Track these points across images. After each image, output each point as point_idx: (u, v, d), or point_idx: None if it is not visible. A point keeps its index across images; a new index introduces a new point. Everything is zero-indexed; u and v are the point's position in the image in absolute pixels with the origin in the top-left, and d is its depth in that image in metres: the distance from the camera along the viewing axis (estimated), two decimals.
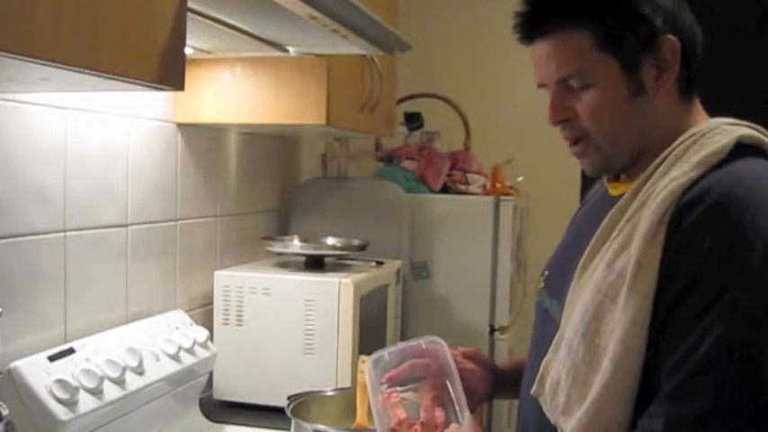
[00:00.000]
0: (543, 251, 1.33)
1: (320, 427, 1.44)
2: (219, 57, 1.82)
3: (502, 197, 2.48)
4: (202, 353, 1.70)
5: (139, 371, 1.47)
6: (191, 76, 1.76)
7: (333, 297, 1.81)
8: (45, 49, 0.87)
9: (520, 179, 2.73)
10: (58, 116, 1.43)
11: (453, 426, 1.17)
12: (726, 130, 1.02)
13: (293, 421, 1.46)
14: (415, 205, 2.48)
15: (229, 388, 1.88)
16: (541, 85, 1.13)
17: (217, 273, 1.89)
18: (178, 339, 1.63)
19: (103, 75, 0.98)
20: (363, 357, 1.38)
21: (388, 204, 2.41)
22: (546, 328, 1.16)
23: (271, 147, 2.37)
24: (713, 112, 1.12)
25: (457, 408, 1.19)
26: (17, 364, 1.27)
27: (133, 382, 1.45)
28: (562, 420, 1.04)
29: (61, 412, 1.27)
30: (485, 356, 1.39)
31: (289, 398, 1.55)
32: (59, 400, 1.27)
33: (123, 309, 1.65)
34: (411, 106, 2.82)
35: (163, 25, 1.08)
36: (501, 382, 1.35)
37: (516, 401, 1.28)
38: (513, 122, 3.20)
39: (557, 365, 1.06)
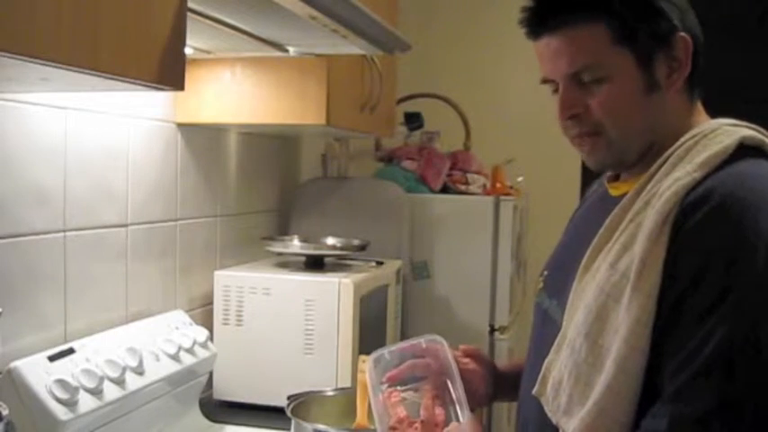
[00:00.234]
0: (543, 251, 1.33)
1: (320, 427, 1.44)
2: (219, 57, 1.82)
3: (502, 197, 2.48)
4: (202, 353, 1.70)
5: (139, 371, 1.47)
6: (191, 76, 1.76)
7: (333, 297, 1.81)
8: (45, 49, 0.87)
9: (520, 179, 2.73)
10: (58, 116, 1.43)
11: (453, 424, 1.18)
12: (728, 131, 1.03)
13: (293, 421, 1.46)
14: (415, 205, 2.48)
15: (229, 388, 1.88)
16: (546, 81, 1.12)
17: (217, 273, 1.89)
18: (178, 339, 1.63)
19: (103, 75, 0.98)
20: (363, 357, 1.38)
21: (388, 204, 2.41)
22: (546, 328, 1.16)
23: (271, 147, 2.37)
24: (710, 111, 1.12)
25: (457, 407, 1.19)
26: (17, 364, 1.27)
27: (133, 382, 1.45)
28: (564, 421, 1.04)
29: (61, 412, 1.27)
30: (485, 355, 1.39)
31: (289, 398, 1.54)
32: (59, 400, 1.27)
33: (123, 309, 1.65)
34: (411, 106, 2.82)
35: (163, 25, 1.08)
36: (501, 384, 1.35)
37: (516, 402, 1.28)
38: (513, 122, 3.20)
39: (559, 366, 1.06)
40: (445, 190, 2.61)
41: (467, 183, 2.61)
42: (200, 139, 1.94)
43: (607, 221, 1.06)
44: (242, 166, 2.16)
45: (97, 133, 1.54)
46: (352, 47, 1.58)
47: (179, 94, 1.78)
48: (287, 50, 1.72)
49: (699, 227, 0.94)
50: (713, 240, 0.93)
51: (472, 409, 1.20)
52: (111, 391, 1.38)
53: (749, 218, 0.93)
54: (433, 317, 2.47)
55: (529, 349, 1.24)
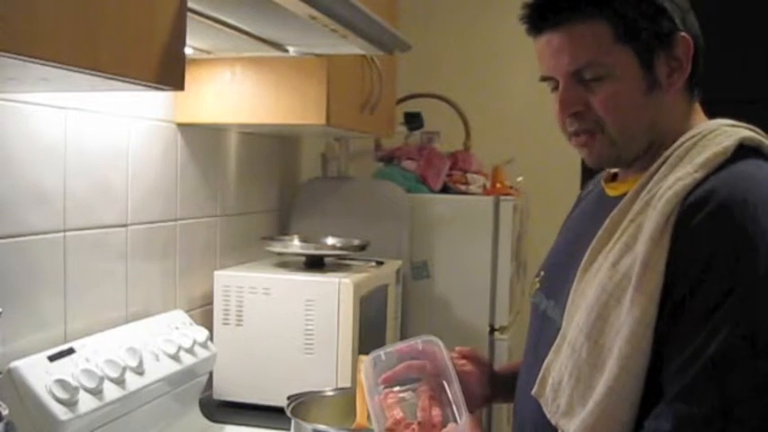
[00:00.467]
0: (543, 251, 1.33)
1: (320, 427, 1.44)
2: (219, 57, 1.82)
3: (502, 197, 2.48)
4: (202, 353, 1.70)
5: (139, 371, 1.47)
6: (191, 76, 1.76)
7: (333, 297, 1.81)
8: (45, 49, 0.87)
9: (520, 179, 2.73)
10: (58, 116, 1.43)
11: (451, 425, 1.18)
12: (727, 132, 1.03)
13: (293, 421, 1.46)
14: (415, 205, 2.48)
15: (229, 388, 1.88)
16: (545, 79, 1.12)
17: (217, 273, 1.89)
18: (178, 339, 1.63)
19: (103, 75, 0.98)
20: (363, 357, 1.38)
21: (388, 204, 2.41)
22: (544, 328, 1.16)
23: (271, 147, 2.37)
24: (708, 111, 1.12)
25: (454, 408, 1.19)
26: (17, 364, 1.27)
27: (133, 382, 1.45)
28: (563, 422, 1.04)
29: (61, 412, 1.27)
30: (482, 356, 1.38)
31: (289, 398, 1.54)
32: (59, 400, 1.27)
33: (123, 309, 1.65)
34: (411, 106, 2.81)
35: (163, 25, 1.08)
36: (498, 385, 1.35)
37: None
38: (513, 122, 3.20)
39: (559, 366, 1.06)
40: (445, 190, 2.61)
41: (467, 183, 2.61)
42: (200, 139, 1.94)
43: (607, 222, 1.06)
44: (242, 166, 2.16)
45: (97, 133, 1.54)
46: (352, 47, 1.58)
47: (179, 94, 1.78)
48: (287, 50, 1.72)
49: (700, 228, 0.94)
50: (715, 241, 0.93)
51: (470, 411, 1.20)
52: (111, 391, 1.38)
53: (750, 218, 0.93)
54: (433, 317, 2.47)
55: (525, 350, 1.24)
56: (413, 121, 2.76)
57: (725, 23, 3.04)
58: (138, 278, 1.69)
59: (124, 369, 1.42)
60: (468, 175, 2.62)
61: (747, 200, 0.94)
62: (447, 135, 2.80)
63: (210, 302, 1.90)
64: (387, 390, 1.23)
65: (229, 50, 1.76)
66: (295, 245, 2.14)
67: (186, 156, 1.88)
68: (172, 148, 1.83)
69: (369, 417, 1.26)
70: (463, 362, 1.33)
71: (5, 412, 1.02)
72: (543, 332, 1.15)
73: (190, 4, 1.17)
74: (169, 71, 1.10)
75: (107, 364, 1.40)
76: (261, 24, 1.49)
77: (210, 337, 1.77)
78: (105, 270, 1.59)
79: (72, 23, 0.91)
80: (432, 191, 2.58)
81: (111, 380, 1.39)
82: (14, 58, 0.84)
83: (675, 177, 0.99)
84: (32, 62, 0.87)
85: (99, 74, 0.97)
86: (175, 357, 1.60)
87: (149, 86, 1.08)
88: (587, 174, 1.32)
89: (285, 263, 2.05)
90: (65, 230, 1.45)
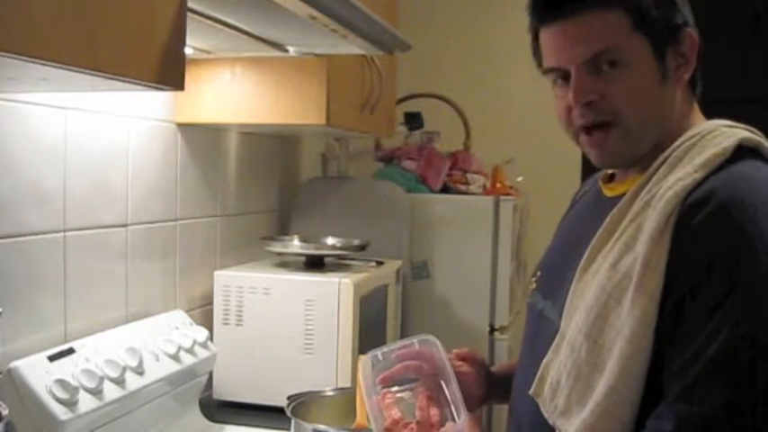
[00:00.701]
0: (543, 251, 1.33)
1: (320, 427, 1.44)
2: (219, 57, 1.82)
3: (502, 197, 2.48)
4: (202, 353, 1.70)
5: (139, 371, 1.47)
6: (191, 76, 1.76)
7: (333, 297, 1.81)
8: (45, 49, 0.87)
9: (520, 179, 2.73)
10: (58, 116, 1.43)
11: (449, 424, 1.18)
12: (725, 133, 1.03)
13: (293, 421, 1.46)
14: (415, 205, 2.48)
15: (229, 388, 1.88)
16: (549, 70, 1.10)
17: (217, 273, 1.89)
18: (178, 339, 1.63)
19: (103, 75, 0.98)
20: (363, 357, 1.38)
21: (388, 204, 2.41)
22: (541, 328, 1.16)
23: (271, 147, 2.37)
24: (705, 112, 1.13)
25: (452, 407, 1.19)
26: (17, 364, 1.27)
27: (133, 382, 1.45)
28: (561, 422, 1.04)
29: (61, 412, 1.27)
30: (479, 357, 1.38)
31: (289, 398, 1.54)
32: (59, 400, 1.27)
33: (123, 309, 1.65)
34: (411, 106, 2.81)
35: (163, 25, 1.08)
36: (495, 386, 1.35)
37: None
38: (513, 122, 3.20)
39: (557, 366, 1.06)
40: (445, 190, 2.61)
41: (467, 183, 2.61)
42: (200, 139, 1.94)
43: (606, 222, 1.06)
44: (242, 166, 2.16)
45: (97, 133, 1.54)
46: (352, 47, 1.58)
47: (179, 94, 1.78)
48: (287, 50, 1.72)
49: (701, 228, 0.94)
50: (715, 242, 0.94)
51: (470, 410, 1.20)
52: (111, 391, 1.38)
53: (749, 219, 0.93)
54: (433, 317, 2.47)
55: (522, 350, 1.24)
56: (413, 121, 2.76)
57: (727, 22, 3.05)
58: (138, 278, 1.69)
59: (124, 369, 1.42)
60: (468, 175, 2.62)
61: (746, 200, 0.94)
62: (447, 135, 2.80)
63: (210, 302, 1.90)
64: (384, 390, 1.23)
65: (229, 50, 1.76)
66: (295, 245, 2.14)
67: (186, 156, 1.88)
68: (172, 148, 1.83)
69: (368, 417, 1.26)
70: (459, 363, 1.33)
71: (5, 412, 1.02)
72: (540, 332, 1.15)
73: (190, 4, 1.17)
74: (169, 71, 1.10)
75: (107, 364, 1.40)
76: (261, 24, 1.49)
77: (210, 337, 1.77)
78: (105, 270, 1.59)
79: (72, 23, 0.91)
80: (432, 191, 2.58)
81: (111, 380, 1.39)
82: (14, 58, 0.84)
83: (675, 178, 0.99)
84: (32, 62, 0.87)
85: (99, 74, 0.97)
86: (175, 357, 1.60)
87: (149, 86, 1.08)
88: (587, 174, 1.32)
89: (285, 263, 2.06)
90: (65, 230, 1.45)
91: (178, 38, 1.12)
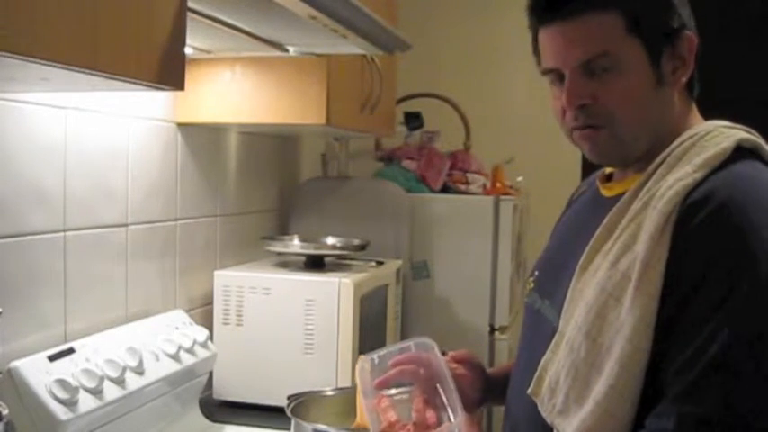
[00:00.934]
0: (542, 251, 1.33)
1: (320, 426, 1.44)
2: (219, 57, 1.82)
3: (502, 197, 2.48)
4: (202, 353, 1.70)
5: (139, 371, 1.47)
6: (191, 76, 1.76)
7: (333, 297, 1.81)
8: (45, 49, 0.87)
9: (520, 179, 2.73)
10: (58, 116, 1.43)
11: (446, 423, 1.18)
12: (724, 133, 1.03)
13: (293, 421, 1.46)
14: (415, 205, 2.48)
15: (229, 388, 1.88)
16: (547, 71, 1.11)
17: (217, 272, 1.89)
18: (178, 339, 1.63)
19: (103, 75, 0.98)
20: (363, 357, 1.38)
21: (388, 204, 2.41)
22: (539, 328, 1.16)
23: (271, 147, 2.37)
24: (705, 112, 1.13)
25: (449, 410, 1.20)
26: (17, 363, 1.27)
27: (133, 381, 1.45)
28: (559, 421, 1.04)
29: (61, 412, 1.27)
30: (475, 359, 1.38)
31: (289, 398, 1.54)
32: (59, 400, 1.27)
33: (123, 309, 1.65)
34: (411, 106, 2.81)
35: (163, 25, 1.08)
36: (492, 388, 1.35)
37: None
38: (513, 122, 3.20)
39: (556, 365, 1.06)
40: (445, 190, 2.61)
41: (467, 183, 2.60)
42: (200, 138, 1.94)
43: (605, 221, 1.06)
44: (242, 165, 2.16)
45: (97, 133, 1.54)
46: (352, 47, 1.58)
47: (179, 93, 1.78)
48: (287, 50, 1.72)
49: (701, 228, 0.95)
50: (715, 242, 0.94)
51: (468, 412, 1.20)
52: (111, 391, 1.38)
53: (749, 220, 0.94)
54: (433, 317, 2.47)
55: (519, 349, 1.24)
56: (413, 120, 2.76)
57: (742, 22, 3.05)
58: (138, 278, 1.69)
59: (124, 369, 1.42)
60: (468, 175, 2.62)
61: (746, 201, 0.95)
62: (447, 135, 2.80)
63: (210, 302, 1.90)
64: (381, 394, 1.24)
65: (229, 50, 1.76)
66: (295, 245, 2.14)
67: (186, 156, 1.88)
68: (172, 148, 1.83)
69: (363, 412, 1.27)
70: (456, 365, 1.32)
71: (5, 412, 1.03)
72: (538, 332, 1.15)
73: (190, 4, 1.17)
74: (169, 71, 1.10)
75: (107, 363, 1.40)
76: (261, 24, 1.49)
77: (210, 337, 1.77)
78: (105, 270, 1.59)
79: (72, 23, 0.91)
80: (432, 191, 2.58)
81: (111, 380, 1.39)
82: (15, 58, 0.84)
83: (675, 177, 0.99)
84: (33, 62, 0.87)
85: (99, 74, 0.97)
86: (175, 357, 1.60)
87: (149, 86, 1.08)
88: (587, 173, 1.33)
89: (285, 263, 2.06)
90: (65, 230, 1.45)
91: (178, 38, 1.12)
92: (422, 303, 2.48)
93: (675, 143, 1.05)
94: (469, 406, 1.31)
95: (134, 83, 1.05)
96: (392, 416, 1.19)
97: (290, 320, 1.82)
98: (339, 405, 1.57)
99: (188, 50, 1.58)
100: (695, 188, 0.97)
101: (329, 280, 1.83)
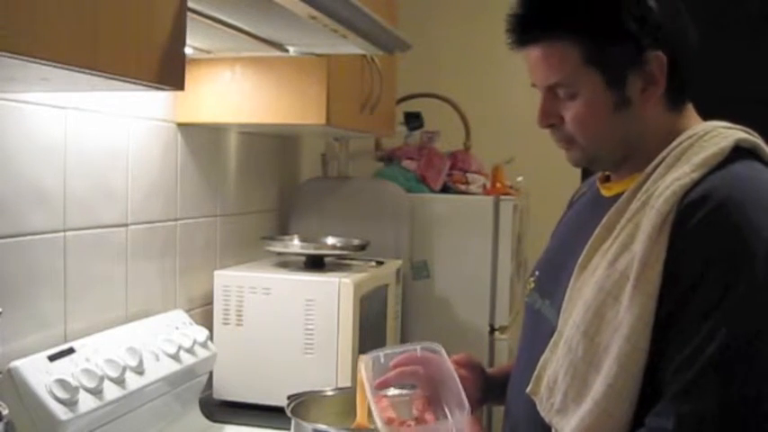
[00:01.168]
0: (542, 251, 1.33)
1: (320, 426, 1.44)
2: (219, 57, 1.82)
3: (502, 197, 2.48)
4: (202, 353, 1.70)
5: (139, 371, 1.47)
6: (191, 76, 1.76)
7: (333, 297, 1.81)
8: (45, 49, 0.87)
9: (520, 179, 2.73)
10: (58, 116, 1.43)
11: (447, 420, 1.19)
12: (722, 134, 1.04)
13: (293, 421, 1.46)
14: (415, 205, 2.48)
15: (229, 388, 1.88)
16: (534, 85, 1.15)
17: (217, 272, 1.89)
18: (178, 339, 1.63)
19: (103, 75, 0.98)
20: (363, 357, 1.39)
21: (388, 204, 2.41)
22: (538, 328, 1.16)
23: (271, 147, 2.37)
24: (706, 112, 1.13)
25: (453, 407, 1.20)
26: (17, 363, 1.27)
27: (133, 381, 1.45)
28: (557, 420, 1.04)
29: (61, 412, 1.27)
30: (475, 361, 1.39)
31: (289, 398, 1.54)
32: (59, 400, 1.27)
33: (123, 309, 1.65)
34: (411, 106, 2.81)
35: (163, 25, 1.08)
36: (491, 388, 1.36)
37: None
38: (513, 122, 3.19)
39: (554, 364, 1.07)
40: (445, 190, 2.61)
41: (467, 183, 2.60)
42: (200, 138, 1.94)
43: (604, 221, 1.07)
44: (242, 165, 2.16)
45: (97, 133, 1.54)
46: (352, 47, 1.58)
47: (179, 93, 1.78)
48: (287, 50, 1.72)
49: (699, 227, 0.95)
50: (713, 241, 0.94)
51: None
52: (111, 391, 1.38)
53: (747, 219, 0.94)
54: (433, 317, 2.47)
55: (519, 349, 1.25)
56: (413, 120, 2.76)
57: (738, 22, 3.04)
58: (138, 278, 1.69)
59: (124, 369, 1.42)
60: (468, 175, 2.62)
61: (744, 200, 0.95)
62: (447, 135, 2.80)
63: (210, 302, 1.90)
64: (381, 394, 1.25)
65: (229, 50, 1.76)
66: (295, 245, 2.14)
67: (186, 156, 1.88)
68: (172, 148, 1.83)
69: (369, 415, 1.27)
70: (456, 368, 1.33)
71: (5, 412, 1.03)
72: (538, 331, 1.16)
73: (190, 4, 1.17)
74: (169, 71, 1.10)
75: (107, 363, 1.40)
76: (261, 24, 1.49)
77: (210, 337, 1.77)
78: (105, 270, 1.59)
79: (72, 23, 0.91)
80: (432, 191, 2.58)
81: (111, 380, 1.39)
82: (15, 58, 0.84)
83: (673, 177, 1.00)
84: (33, 62, 0.87)
85: (99, 74, 0.97)
86: (175, 357, 1.60)
87: (149, 86, 1.08)
88: (587, 174, 1.33)
89: (285, 263, 2.06)
90: (65, 230, 1.45)
91: (178, 38, 1.12)
92: (422, 303, 2.48)
93: (674, 143, 1.05)
94: (472, 406, 1.32)
95: (134, 83, 1.05)
96: (391, 414, 1.20)
97: (290, 320, 1.82)
98: (339, 405, 1.57)
99: (188, 50, 1.58)
100: (693, 188, 0.97)
101: (329, 280, 1.83)
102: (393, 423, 1.19)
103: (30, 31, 0.84)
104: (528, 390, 1.11)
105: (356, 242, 2.10)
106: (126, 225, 1.65)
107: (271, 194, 2.38)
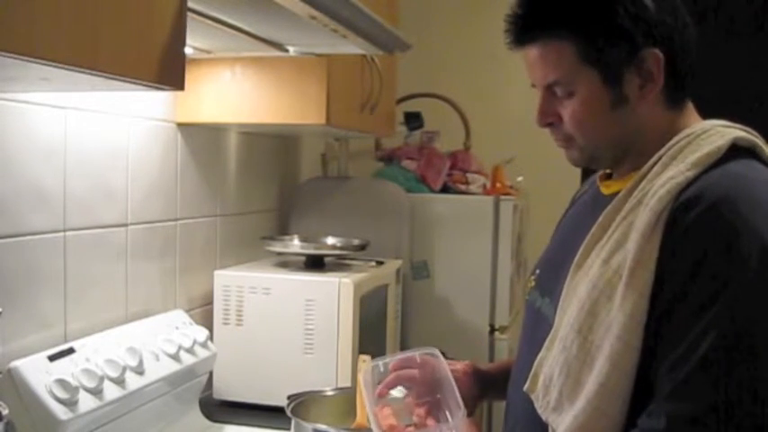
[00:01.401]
0: (543, 250, 1.33)
1: (320, 427, 1.44)
2: (219, 57, 1.82)
3: (502, 197, 2.48)
4: (202, 353, 1.70)
5: (139, 371, 1.47)
6: (191, 76, 1.76)
7: (333, 297, 1.81)
8: (45, 49, 0.87)
9: (520, 179, 2.73)
10: (58, 116, 1.43)
11: (444, 423, 1.20)
12: (720, 132, 1.04)
13: (293, 421, 1.46)
14: (415, 205, 2.48)
15: (229, 388, 1.88)
16: (534, 85, 1.15)
17: (217, 272, 1.89)
18: (178, 339, 1.63)
19: (103, 75, 0.98)
20: (363, 357, 1.39)
21: (388, 204, 2.41)
22: (538, 326, 1.16)
23: (271, 147, 2.37)
24: (707, 111, 1.13)
25: (449, 410, 1.21)
26: (17, 363, 1.27)
27: (133, 381, 1.45)
28: (553, 418, 1.05)
29: (61, 412, 1.27)
30: (468, 363, 1.39)
31: (289, 398, 1.55)
32: (59, 400, 1.27)
33: (123, 309, 1.65)
34: (411, 106, 2.81)
35: (163, 25, 1.08)
36: (488, 384, 1.36)
37: None
38: (513, 122, 3.19)
39: (550, 362, 1.07)
40: (445, 190, 2.61)
41: (467, 182, 2.61)
42: (200, 138, 1.94)
43: (600, 219, 1.07)
44: (242, 165, 2.16)
45: (97, 133, 1.54)
46: (352, 47, 1.58)
47: (179, 93, 1.78)
48: (287, 50, 1.72)
49: (692, 227, 0.95)
50: (706, 240, 0.94)
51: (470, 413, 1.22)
52: (111, 391, 1.38)
53: (741, 218, 0.94)
54: (433, 317, 2.46)
55: (519, 347, 1.25)
56: (413, 120, 2.76)
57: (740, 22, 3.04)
58: (138, 278, 1.69)
59: (124, 369, 1.42)
60: (468, 175, 2.62)
61: (738, 199, 0.95)
62: (447, 135, 2.80)
63: (210, 302, 1.90)
64: (382, 404, 1.25)
65: (229, 50, 1.76)
66: (295, 245, 2.14)
67: (186, 156, 1.88)
68: (172, 148, 1.83)
69: (368, 418, 1.28)
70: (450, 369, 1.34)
71: (5, 412, 1.03)
72: (537, 329, 1.16)
73: (190, 4, 1.17)
74: (169, 71, 1.10)
75: (107, 363, 1.40)
76: (261, 24, 1.49)
77: (210, 337, 1.77)
78: (105, 270, 1.59)
79: (72, 23, 0.91)
80: (432, 191, 2.58)
81: (111, 380, 1.39)
82: (15, 58, 0.84)
83: (668, 176, 1.00)
84: (33, 62, 0.87)
85: (99, 74, 0.97)
86: (175, 357, 1.60)
87: (149, 86, 1.08)
88: (587, 173, 1.33)
89: (285, 263, 2.06)
90: (65, 230, 1.45)
91: (178, 38, 1.12)
92: (422, 303, 2.48)
93: (672, 142, 1.05)
94: (468, 406, 1.32)
95: (134, 83, 1.05)
96: (392, 421, 1.21)
97: (290, 320, 1.82)
98: (339, 405, 1.58)
99: (188, 50, 1.58)
100: (688, 186, 0.97)
101: (329, 280, 1.83)
102: (395, 430, 1.19)
103: (30, 31, 0.84)
104: (525, 387, 1.11)
105: (356, 242, 2.10)
106: (126, 225, 1.65)
107: (271, 194, 2.38)
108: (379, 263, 2.14)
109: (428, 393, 1.27)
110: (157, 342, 1.58)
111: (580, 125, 1.09)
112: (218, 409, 1.85)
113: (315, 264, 2.00)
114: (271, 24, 1.48)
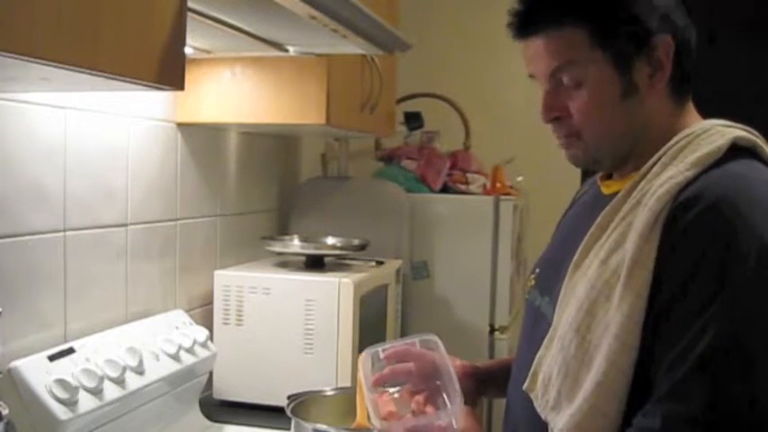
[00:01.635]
0: (543, 250, 1.33)
1: (320, 426, 1.44)
2: (219, 57, 1.82)
3: (502, 197, 2.48)
4: (202, 353, 1.70)
5: (139, 371, 1.47)
6: (191, 76, 1.76)
7: (333, 297, 1.81)
8: (45, 49, 0.87)
9: (520, 179, 2.73)
10: (58, 116, 1.43)
11: (441, 410, 1.21)
12: (720, 132, 1.03)
13: (293, 421, 1.46)
14: (415, 205, 2.48)
15: (229, 388, 1.88)
16: (533, 76, 1.14)
17: (217, 272, 1.89)
18: (178, 339, 1.63)
19: (103, 75, 0.98)
20: (363, 354, 1.39)
21: (388, 204, 2.41)
22: (538, 325, 1.16)
23: (271, 147, 2.37)
24: (707, 111, 1.13)
25: (447, 400, 1.21)
26: (17, 363, 1.27)
27: (133, 381, 1.45)
28: (552, 416, 1.05)
29: (61, 412, 1.27)
30: (472, 366, 1.39)
31: (289, 397, 1.55)
32: (59, 400, 1.27)
33: (123, 309, 1.65)
34: (411, 106, 2.81)
35: (163, 25, 1.08)
36: (487, 381, 1.36)
37: None
38: (513, 122, 3.20)
39: (549, 361, 1.07)
40: (445, 190, 2.62)
41: (467, 182, 2.61)
42: (200, 138, 1.94)
43: (599, 219, 1.07)
44: (242, 165, 2.16)
45: (97, 133, 1.55)
46: (352, 47, 1.58)
47: (179, 93, 1.78)
48: (287, 50, 1.72)
49: (690, 227, 0.95)
50: (705, 240, 0.94)
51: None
52: (111, 391, 1.38)
53: (740, 218, 0.93)
54: (433, 317, 2.47)
55: (519, 346, 1.25)
56: (413, 120, 2.76)
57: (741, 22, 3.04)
58: (138, 278, 1.69)
59: (124, 369, 1.42)
60: (468, 175, 2.62)
61: (737, 199, 0.94)
62: (447, 135, 2.80)
63: (210, 302, 1.90)
64: (381, 391, 1.26)
65: (229, 50, 1.76)
66: (295, 245, 2.14)
67: (186, 156, 1.88)
68: (172, 148, 1.83)
69: (368, 416, 1.28)
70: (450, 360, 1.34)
71: (5, 412, 1.03)
72: (536, 328, 1.16)
73: (190, 4, 1.17)
74: (169, 71, 1.10)
75: (107, 363, 1.40)
76: (261, 24, 1.49)
77: (210, 337, 1.77)
78: (105, 270, 1.59)
79: (72, 23, 0.91)
80: (432, 191, 2.58)
81: (111, 380, 1.39)
82: (15, 58, 0.84)
83: (667, 176, 0.99)
84: (33, 62, 0.87)
85: (99, 74, 0.97)
86: (175, 357, 1.60)
87: (149, 86, 1.08)
88: (587, 174, 1.33)
89: (285, 263, 2.06)
90: (65, 230, 1.45)
91: (178, 38, 1.12)
92: (422, 303, 2.48)
93: (672, 142, 1.05)
94: (469, 401, 1.33)
95: (134, 83, 1.05)
96: (392, 408, 1.21)
97: (290, 320, 1.82)
98: (339, 405, 1.58)
99: (188, 50, 1.58)
100: (687, 186, 0.97)
101: (329, 280, 1.83)
102: (393, 417, 1.20)
103: (30, 31, 0.84)
104: (524, 386, 1.11)
105: (356, 242, 2.10)
106: (126, 225, 1.65)
107: (271, 194, 2.38)
108: (379, 263, 2.14)
109: (425, 383, 1.27)
110: (157, 342, 1.58)
111: (591, 115, 1.07)
112: (218, 409, 1.85)
113: (315, 264, 2.00)
114: (271, 24, 1.48)
